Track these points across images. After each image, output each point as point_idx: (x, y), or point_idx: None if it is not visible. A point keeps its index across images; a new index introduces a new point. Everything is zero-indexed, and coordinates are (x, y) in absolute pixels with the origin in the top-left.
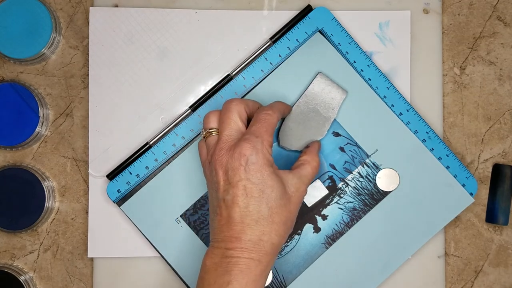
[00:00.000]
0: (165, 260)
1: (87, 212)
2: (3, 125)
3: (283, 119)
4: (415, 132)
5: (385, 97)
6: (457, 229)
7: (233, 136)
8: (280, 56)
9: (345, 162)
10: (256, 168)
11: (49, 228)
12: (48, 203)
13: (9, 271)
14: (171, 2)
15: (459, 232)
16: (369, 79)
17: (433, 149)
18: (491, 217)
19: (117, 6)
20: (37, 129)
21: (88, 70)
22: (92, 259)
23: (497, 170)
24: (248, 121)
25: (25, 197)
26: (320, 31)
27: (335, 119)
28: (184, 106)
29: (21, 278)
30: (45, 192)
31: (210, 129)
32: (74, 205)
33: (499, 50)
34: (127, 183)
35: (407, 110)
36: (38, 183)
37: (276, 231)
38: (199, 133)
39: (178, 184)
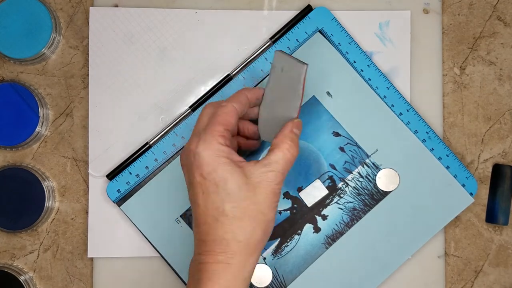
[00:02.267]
0: (165, 260)
1: (87, 212)
2: (3, 125)
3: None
4: (415, 132)
5: (385, 97)
6: (457, 229)
7: (195, 135)
8: None
9: (345, 162)
10: (206, 161)
11: (49, 228)
12: (48, 203)
13: (9, 271)
14: (171, 2)
15: (459, 232)
16: (369, 79)
17: (433, 149)
18: (491, 217)
19: (117, 6)
20: (37, 129)
21: (88, 70)
22: (92, 259)
23: (497, 170)
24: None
25: (25, 197)
26: (320, 31)
27: (334, 119)
28: (184, 106)
29: (21, 278)
30: (45, 192)
31: None
32: (74, 205)
33: (499, 50)
34: (127, 183)
35: (407, 110)
36: (38, 183)
37: (240, 227)
38: None
39: (178, 184)
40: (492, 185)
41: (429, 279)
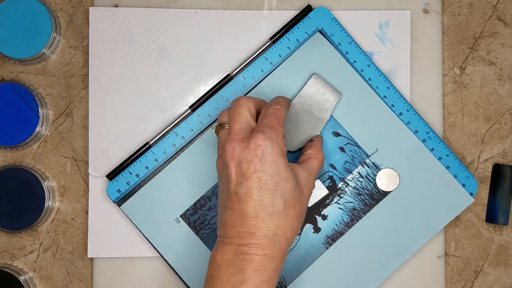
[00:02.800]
0: (165, 260)
1: (87, 212)
2: (3, 125)
3: None
4: (415, 132)
5: (385, 97)
6: (457, 229)
7: (243, 129)
8: (280, 56)
9: (345, 162)
10: (272, 159)
11: (49, 228)
12: (48, 203)
13: (9, 271)
14: (171, 2)
15: (459, 232)
16: (369, 79)
17: (433, 149)
18: (491, 217)
19: (117, 6)
20: (37, 129)
21: (88, 70)
22: (92, 259)
23: (497, 170)
24: (256, 119)
25: (25, 197)
26: (320, 31)
27: (334, 120)
28: (184, 106)
29: (21, 278)
30: (45, 192)
31: (220, 124)
32: (74, 205)
33: (499, 50)
34: (127, 183)
35: (407, 110)
36: (38, 183)
37: (290, 225)
38: (199, 133)
39: (178, 184)
40: (492, 185)
41: (429, 279)
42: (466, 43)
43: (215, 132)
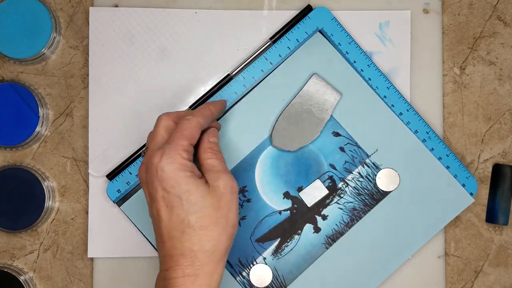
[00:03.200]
0: None
1: (87, 212)
2: (3, 125)
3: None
4: (415, 132)
5: (385, 97)
6: (457, 229)
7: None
8: (280, 56)
9: (345, 162)
10: (168, 175)
11: (49, 228)
12: (48, 203)
13: (9, 271)
14: (171, 2)
15: (459, 232)
16: (369, 79)
17: (433, 149)
18: (491, 217)
19: (117, 6)
20: (37, 129)
21: (88, 70)
22: (92, 259)
23: (497, 170)
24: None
25: (25, 197)
26: (320, 31)
27: (334, 120)
28: (184, 106)
29: (21, 278)
30: (45, 192)
31: (146, 146)
32: (74, 205)
33: (499, 50)
34: (127, 183)
35: (407, 110)
36: (38, 183)
37: (207, 236)
38: None
39: None
40: (492, 185)
41: (429, 279)
42: (466, 43)
43: (142, 157)
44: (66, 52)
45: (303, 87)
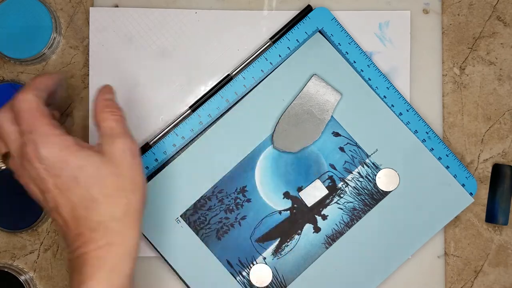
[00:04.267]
0: (165, 260)
1: None
2: None
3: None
4: (415, 132)
5: (385, 97)
6: (457, 229)
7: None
8: (280, 56)
9: (345, 162)
10: (53, 160)
11: (49, 228)
12: None
13: (9, 271)
14: (171, 2)
15: (459, 232)
16: (369, 79)
17: (433, 149)
18: (491, 217)
19: (117, 6)
20: None
21: (88, 70)
22: None
23: (497, 170)
24: None
25: (25, 197)
26: (320, 31)
27: (334, 119)
28: (184, 106)
29: (22, 278)
30: None
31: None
32: None
33: (499, 50)
34: None
35: (407, 110)
36: None
37: (114, 203)
38: (199, 133)
39: (178, 184)
40: (492, 185)
41: (429, 279)
42: (466, 43)
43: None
44: (66, 52)
45: (303, 89)
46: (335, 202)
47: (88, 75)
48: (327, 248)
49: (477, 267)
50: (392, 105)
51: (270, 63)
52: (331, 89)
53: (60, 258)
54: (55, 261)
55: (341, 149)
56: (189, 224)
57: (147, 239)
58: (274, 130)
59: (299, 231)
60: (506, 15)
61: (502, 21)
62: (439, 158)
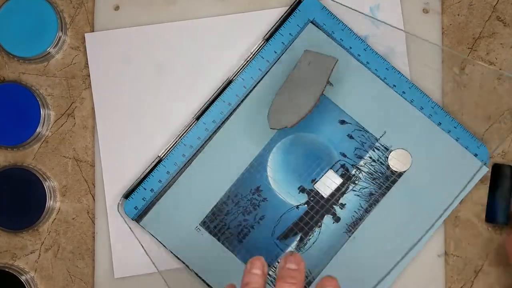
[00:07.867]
0: (191, 270)
1: (88, 212)
2: (5, 125)
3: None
4: (421, 108)
5: (385, 78)
6: (456, 228)
7: None
8: (275, 52)
9: (355, 148)
10: None
11: (50, 228)
12: (49, 203)
13: (10, 271)
14: (171, 3)
15: (458, 231)
16: (367, 62)
17: (440, 123)
18: (491, 217)
19: (118, 8)
20: (38, 129)
21: (89, 70)
22: (93, 258)
23: (497, 170)
24: None
25: (26, 197)
26: (312, 22)
27: (338, 108)
28: (188, 116)
29: (22, 278)
30: (46, 192)
31: None
32: (75, 205)
33: (499, 50)
34: (142, 199)
35: (409, 88)
36: (39, 183)
37: None
38: (206, 140)
39: (193, 193)
40: (492, 185)
41: (429, 279)
42: (465, 43)
43: None
44: (68, 52)
45: (295, 65)
46: (351, 190)
47: (89, 75)
48: (349, 236)
49: (477, 266)
50: (394, 85)
51: (267, 60)
52: (323, 57)
53: (61, 258)
54: (56, 261)
55: (350, 136)
56: (209, 231)
57: (171, 251)
58: (269, 111)
59: (319, 223)
60: (506, 15)
61: (502, 21)
62: (448, 131)
